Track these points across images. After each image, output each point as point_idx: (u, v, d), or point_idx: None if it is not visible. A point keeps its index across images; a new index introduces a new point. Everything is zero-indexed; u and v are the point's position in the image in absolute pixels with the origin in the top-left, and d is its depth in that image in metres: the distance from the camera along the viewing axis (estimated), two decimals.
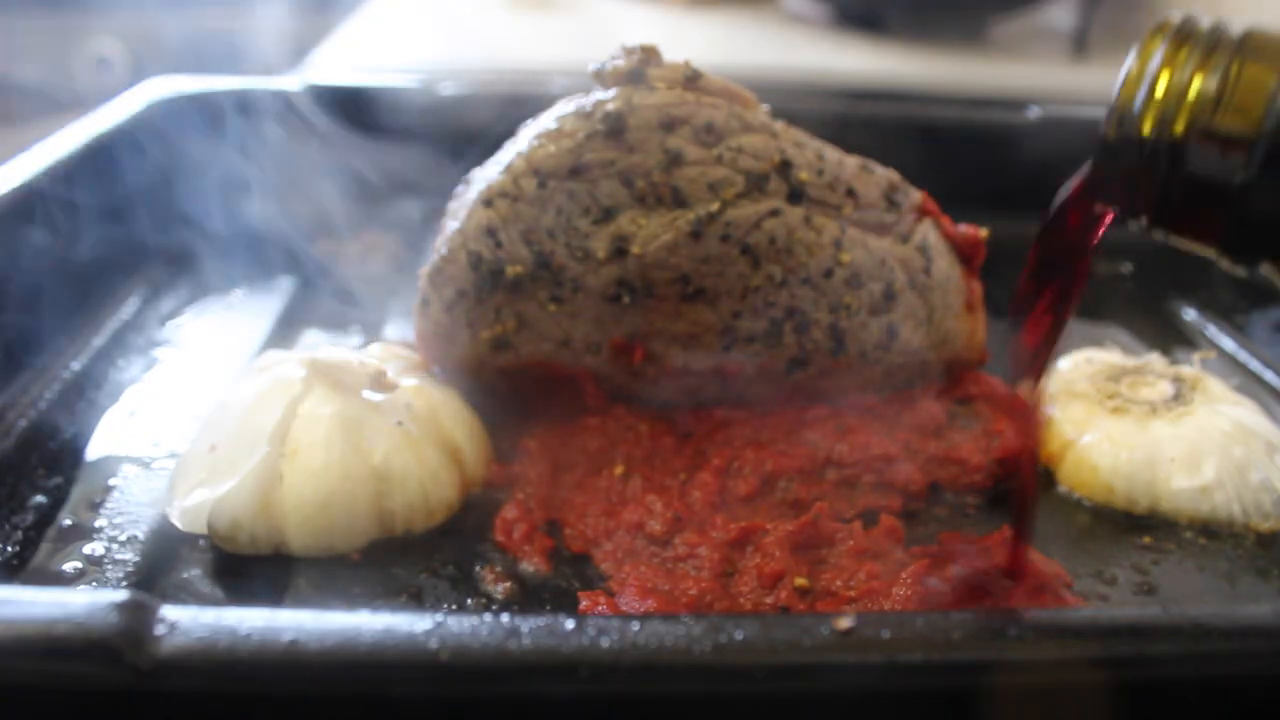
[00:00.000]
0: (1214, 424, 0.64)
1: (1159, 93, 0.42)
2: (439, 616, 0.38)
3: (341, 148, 0.87)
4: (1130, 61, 0.44)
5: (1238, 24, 0.43)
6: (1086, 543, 0.60)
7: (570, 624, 0.38)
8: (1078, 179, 0.49)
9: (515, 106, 0.72)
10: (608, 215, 0.63)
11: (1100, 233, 0.49)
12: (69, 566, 0.54)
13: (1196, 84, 0.41)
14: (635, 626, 0.38)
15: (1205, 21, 0.43)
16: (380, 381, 0.61)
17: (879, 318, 0.66)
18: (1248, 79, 0.40)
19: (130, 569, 0.54)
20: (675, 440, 0.65)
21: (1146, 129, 0.43)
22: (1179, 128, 0.42)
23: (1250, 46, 0.41)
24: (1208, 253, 0.44)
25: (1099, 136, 0.45)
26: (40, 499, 0.59)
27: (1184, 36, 0.42)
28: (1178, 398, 0.67)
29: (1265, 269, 0.42)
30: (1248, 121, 0.40)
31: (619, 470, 0.62)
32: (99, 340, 0.76)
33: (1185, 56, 0.42)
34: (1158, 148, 0.42)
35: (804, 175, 0.64)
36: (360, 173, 0.88)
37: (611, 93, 0.64)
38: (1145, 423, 0.65)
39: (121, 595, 0.37)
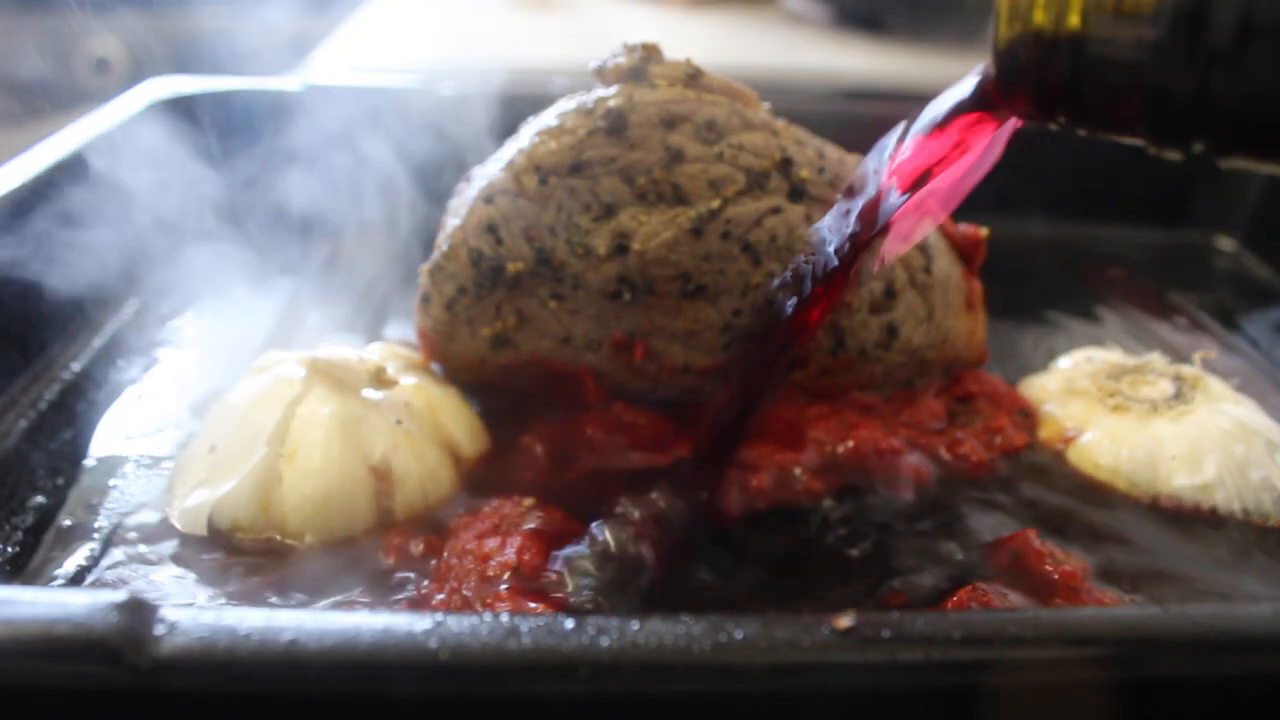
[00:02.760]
0: (1215, 422, 0.64)
1: None
2: (438, 616, 0.38)
3: (340, 147, 0.87)
4: None
5: None
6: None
7: (570, 624, 0.38)
8: (957, 93, 0.46)
9: (515, 106, 0.72)
10: (609, 212, 0.63)
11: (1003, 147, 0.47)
12: (69, 566, 0.54)
13: None
14: (635, 626, 0.38)
15: None
16: (381, 378, 0.61)
17: (879, 316, 0.66)
18: None
19: (130, 569, 0.54)
20: (675, 433, 0.65)
21: (1040, 18, 0.40)
22: (1074, 12, 0.39)
23: None
24: (1135, 140, 0.41)
25: (992, 41, 0.42)
26: (40, 499, 0.59)
27: None
28: (1178, 396, 0.67)
29: (1199, 149, 0.39)
30: None
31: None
32: (99, 341, 0.76)
33: None
34: (1058, 37, 0.40)
35: (805, 173, 0.64)
36: (360, 172, 0.88)
37: (613, 90, 0.64)
38: (1146, 421, 0.65)
39: (121, 595, 0.37)
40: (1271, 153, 0.38)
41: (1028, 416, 0.70)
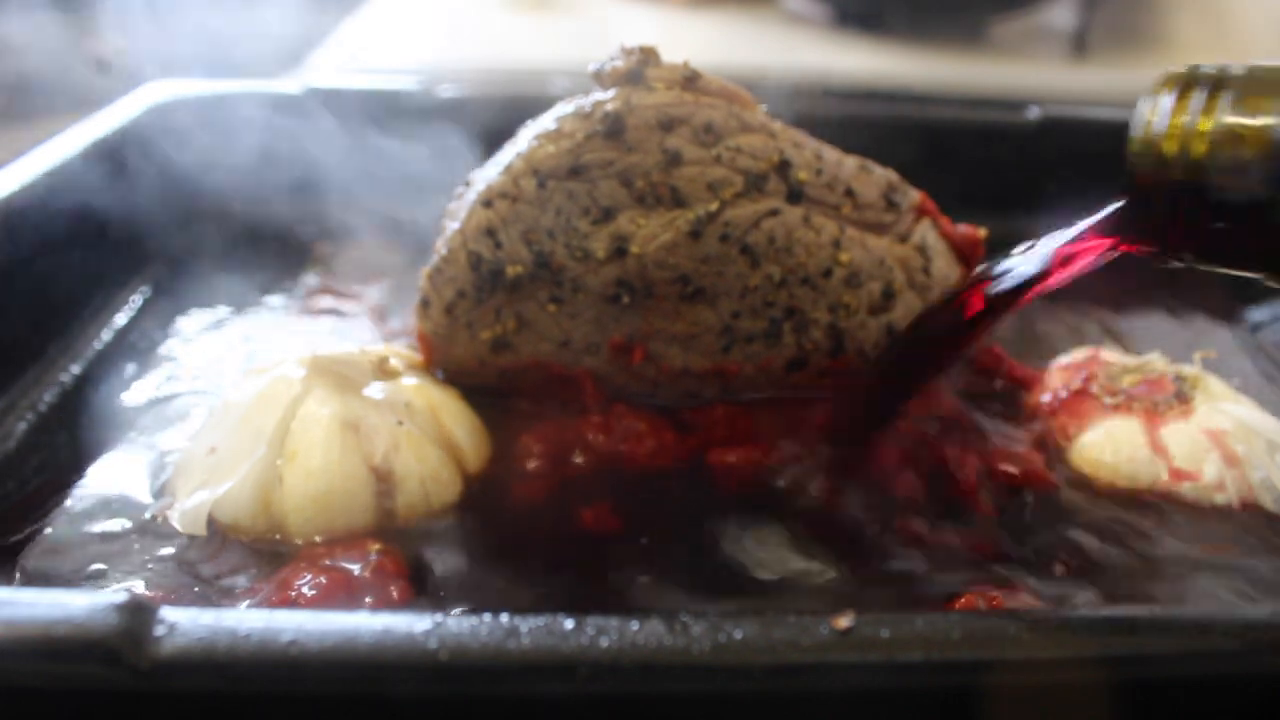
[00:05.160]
0: (1215, 422, 0.64)
1: (1176, 134, 0.45)
2: (438, 616, 0.38)
3: (341, 150, 0.88)
4: (1143, 111, 0.47)
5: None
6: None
7: (569, 624, 0.38)
8: (1096, 221, 0.53)
9: (515, 107, 0.72)
10: (607, 215, 0.63)
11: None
12: (69, 568, 0.54)
13: (1209, 121, 0.44)
14: (634, 626, 0.38)
15: (1208, 67, 0.46)
16: (384, 368, 0.61)
17: (878, 317, 0.66)
18: (1257, 106, 0.43)
19: (130, 569, 0.54)
20: (675, 435, 0.65)
21: (1172, 171, 0.45)
22: (1200, 164, 0.44)
23: (1255, 78, 0.44)
24: (1256, 276, 0.46)
25: (1129, 184, 0.48)
26: (40, 501, 0.59)
27: (1190, 81, 0.45)
28: (1179, 396, 0.67)
29: None
30: (1262, 144, 0.43)
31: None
32: (99, 343, 0.76)
33: (1194, 98, 0.45)
34: (1185, 186, 0.45)
35: (803, 175, 0.64)
36: (360, 174, 0.88)
37: (610, 93, 0.64)
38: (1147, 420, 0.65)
39: (121, 596, 0.37)
40: None
41: None
